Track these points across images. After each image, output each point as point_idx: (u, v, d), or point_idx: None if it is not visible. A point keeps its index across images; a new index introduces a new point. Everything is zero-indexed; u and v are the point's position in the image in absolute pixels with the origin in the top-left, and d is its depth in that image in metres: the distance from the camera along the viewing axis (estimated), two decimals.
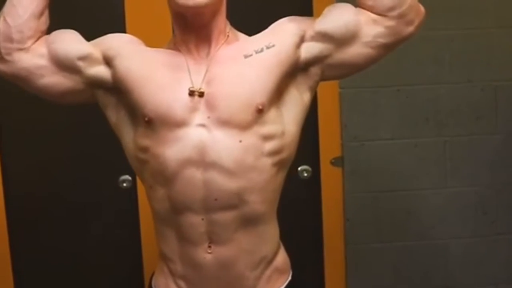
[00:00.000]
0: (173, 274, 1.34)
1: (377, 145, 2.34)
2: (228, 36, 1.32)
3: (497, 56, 2.33)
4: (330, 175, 2.36)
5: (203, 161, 1.23)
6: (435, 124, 2.34)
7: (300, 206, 2.37)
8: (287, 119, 1.31)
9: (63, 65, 1.32)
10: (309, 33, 1.30)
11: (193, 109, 1.24)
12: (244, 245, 1.29)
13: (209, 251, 1.28)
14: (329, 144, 2.35)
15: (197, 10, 1.22)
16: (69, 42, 1.34)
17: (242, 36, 1.36)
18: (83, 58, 1.32)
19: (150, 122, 1.25)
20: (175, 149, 1.24)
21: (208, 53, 1.29)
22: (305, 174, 2.36)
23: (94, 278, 2.37)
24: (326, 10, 1.35)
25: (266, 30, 1.34)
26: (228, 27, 1.34)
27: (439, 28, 2.29)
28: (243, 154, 1.24)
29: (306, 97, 1.34)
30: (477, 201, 2.38)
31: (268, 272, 1.34)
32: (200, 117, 1.24)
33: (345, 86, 2.30)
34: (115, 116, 1.36)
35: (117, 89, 1.32)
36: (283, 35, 1.30)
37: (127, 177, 2.30)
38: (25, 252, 2.32)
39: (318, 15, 2.27)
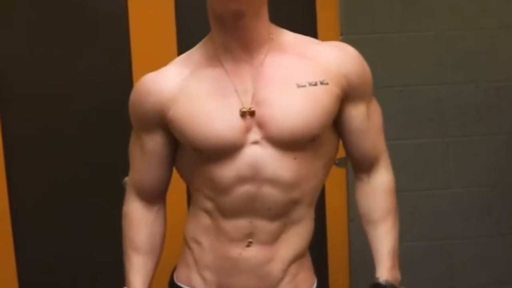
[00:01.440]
0: (197, 264, 1.33)
1: None
2: (272, 39, 1.25)
3: (500, 56, 2.33)
4: (334, 176, 2.34)
5: (258, 178, 1.22)
6: (439, 124, 2.34)
7: None
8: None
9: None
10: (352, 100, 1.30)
11: (247, 129, 1.21)
12: (283, 245, 1.29)
13: (247, 249, 1.27)
14: None
15: (237, 9, 1.16)
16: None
17: (287, 40, 1.28)
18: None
19: (203, 153, 1.24)
20: (229, 168, 1.22)
21: (251, 64, 1.23)
22: None
23: (98, 280, 2.37)
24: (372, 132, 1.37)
25: (319, 51, 1.27)
26: (272, 30, 1.27)
27: (442, 29, 2.30)
28: (298, 168, 1.24)
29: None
30: (481, 201, 2.38)
31: (294, 269, 1.33)
32: (253, 135, 1.21)
33: None
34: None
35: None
36: (336, 79, 1.25)
37: None
38: (29, 254, 2.33)
39: (320, 14, 2.30)
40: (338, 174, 2.36)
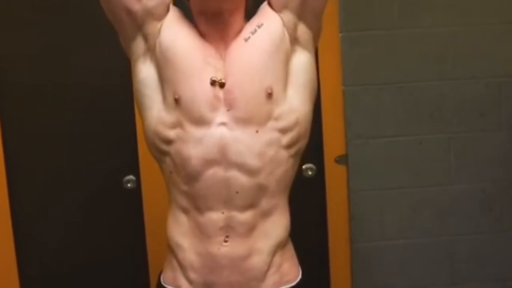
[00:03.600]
0: (181, 265, 1.36)
1: (381, 143, 2.33)
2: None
3: (500, 52, 2.32)
4: (334, 173, 2.36)
5: (225, 160, 1.28)
6: (439, 120, 2.33)
7: (305, 204, 2.37)
8: (299, 98, 1.35)
9: None
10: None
11: (214, 108, 1.28)
12: (259, 237, 1.33)
13: (225, 244, 1.31)
14: (333, 142, 2.35)
15: (219, 5, 1.28)
16: None
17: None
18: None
19: (177, 103, 1.29)
20: (198, 149, 1.28)
21: (225, 53, 1.33)
22: (310, 173, 2.36)
23: (99, 278, 2.37)
24: None
25: (255, 16, 1.39)
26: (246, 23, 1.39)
27: (442, 25, 2.29)
28: (264, 149, 1.30)
29: (307, 58, 1.38)
30: (482, 197, 2.38)
31: (278, 259, 1.36)
32: (220, 116, 1.28)
33: (348, 83, 2.30)
34: (146, 73, 1.37)
35: (158, 53, 1.34)
36: (267, 13, 1.35)
37: (132, 177, 2.31)
38: (30, 252, 2.33)
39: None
40: (338, 172, 2.35)
